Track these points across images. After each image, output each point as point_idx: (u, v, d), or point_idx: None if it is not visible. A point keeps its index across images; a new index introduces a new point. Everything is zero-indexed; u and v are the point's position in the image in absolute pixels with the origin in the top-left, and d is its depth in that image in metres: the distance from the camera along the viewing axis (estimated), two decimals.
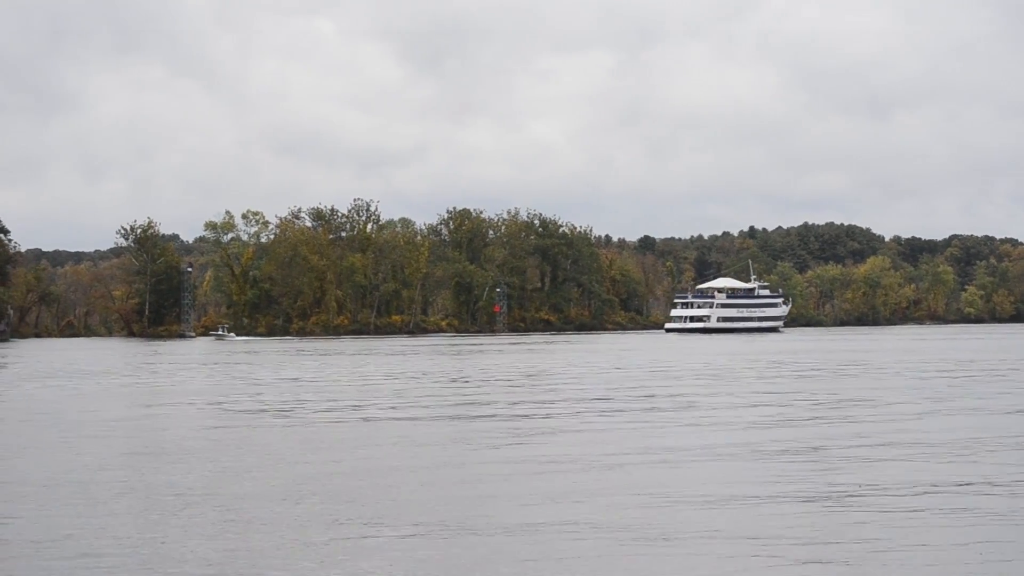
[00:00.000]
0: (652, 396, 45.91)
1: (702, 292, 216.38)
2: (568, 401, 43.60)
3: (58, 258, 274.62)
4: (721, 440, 29.72)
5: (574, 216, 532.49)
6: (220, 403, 44.06)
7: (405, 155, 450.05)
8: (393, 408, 41.27)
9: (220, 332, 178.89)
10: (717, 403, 42.01)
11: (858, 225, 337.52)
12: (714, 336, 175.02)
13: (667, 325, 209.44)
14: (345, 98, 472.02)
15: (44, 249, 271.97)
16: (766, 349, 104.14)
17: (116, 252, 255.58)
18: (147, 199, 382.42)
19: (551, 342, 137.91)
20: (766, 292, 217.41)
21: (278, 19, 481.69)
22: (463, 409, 40.41)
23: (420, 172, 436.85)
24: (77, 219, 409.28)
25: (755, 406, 40.60)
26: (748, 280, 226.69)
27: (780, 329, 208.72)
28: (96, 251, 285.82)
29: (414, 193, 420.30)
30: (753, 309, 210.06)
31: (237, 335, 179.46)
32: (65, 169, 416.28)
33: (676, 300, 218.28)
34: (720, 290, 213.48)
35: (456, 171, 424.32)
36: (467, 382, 56.64)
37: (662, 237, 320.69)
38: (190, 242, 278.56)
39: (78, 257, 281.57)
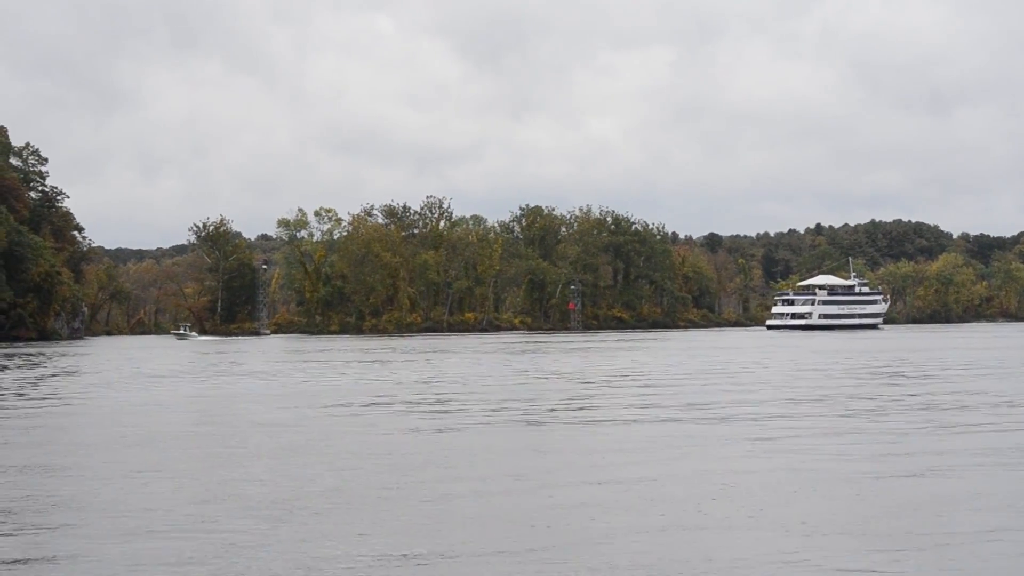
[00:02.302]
0: (913, 406, 41.17)
1: (803, 289, 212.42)
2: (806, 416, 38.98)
3: (120, 256, 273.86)
4: None
5: (631, 213, 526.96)
6: (413, 403, 40.00)
7: (463, 152, 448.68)
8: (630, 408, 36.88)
9: (183, 331, 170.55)
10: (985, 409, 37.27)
11: (924, 222, 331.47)
12: (815, 334, 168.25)
13: (768, 322, 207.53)
14: (403, 95, 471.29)
15: (106, 247, 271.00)
16: (889, 347, 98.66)
17: (179, 249, 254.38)
18: (204, 197, 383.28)
19: (644, 339, 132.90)
20: (866, 289, 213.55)
21: (337, 16, 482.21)
22: (709, 427, 35.94)
23: (478, 169, 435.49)
24: (136, 217, 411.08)
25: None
26: (848, 277, 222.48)
27: (879, 326, 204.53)
28: (158, 248, 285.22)
29: (472, 191, 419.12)
30: (854, 306, 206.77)
31: (200, 335, 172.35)
32: (124, 166, 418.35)
33: (777, 298, 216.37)
34: (821, 287, 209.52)
35: (514, 168, 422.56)
36: (644, 381, 52.12)
37: (723, 234, 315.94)
38: (252, 239, 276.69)
39: (140, 255, 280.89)
